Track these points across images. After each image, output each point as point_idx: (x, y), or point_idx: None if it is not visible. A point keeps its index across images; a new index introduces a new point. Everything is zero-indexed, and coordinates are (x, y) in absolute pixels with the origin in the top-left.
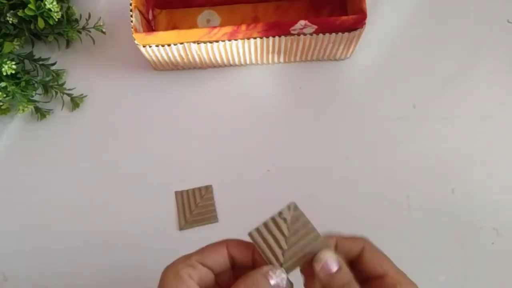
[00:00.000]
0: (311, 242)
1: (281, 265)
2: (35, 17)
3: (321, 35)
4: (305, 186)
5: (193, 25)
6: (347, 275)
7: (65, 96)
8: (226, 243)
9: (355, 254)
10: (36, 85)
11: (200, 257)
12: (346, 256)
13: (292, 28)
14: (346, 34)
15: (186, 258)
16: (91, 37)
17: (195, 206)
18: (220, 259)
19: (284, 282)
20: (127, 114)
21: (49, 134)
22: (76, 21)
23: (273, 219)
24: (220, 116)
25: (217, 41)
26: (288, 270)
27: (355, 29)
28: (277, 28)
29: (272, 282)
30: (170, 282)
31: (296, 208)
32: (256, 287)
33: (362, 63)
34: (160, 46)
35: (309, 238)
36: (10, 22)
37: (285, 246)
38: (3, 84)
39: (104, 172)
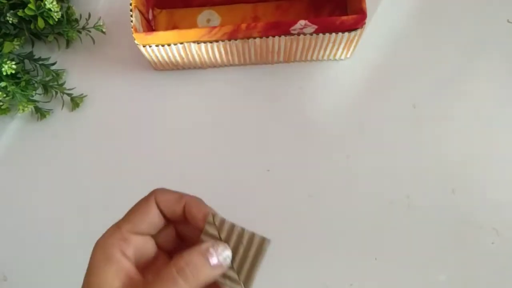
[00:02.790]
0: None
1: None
2: (35, 17)
3: (321, 35)
4: (305, 186)
5: (193, 25)
6: None
7: (65, 96)
8: (155, 197)
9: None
10: (36, 85)
11: (131, 224)
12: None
13: (292, 28)
14: (346, 34)
15: (116, 229)
16: (91, 37)
17: None
18: (155, 219)
19: (229, 260)
20: (127, 114)
21: (49, 134)
22: (76, 21)
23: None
24: (220, 115)
25: (217, 41)
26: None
27: (355, 29)
28: (277, 28)
29: (213, 261)
30: (99, 263)
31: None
32: (192, 269)
33: (362, 63)
34: (160, 46)
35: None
36: (10, 22)
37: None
38: (3, 84)
39: (104, 172)
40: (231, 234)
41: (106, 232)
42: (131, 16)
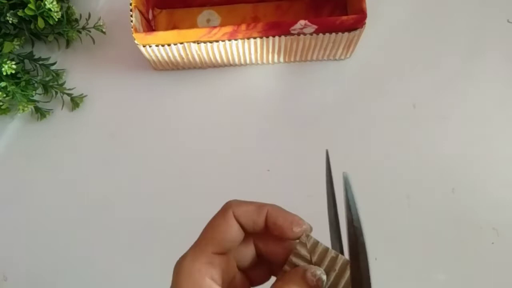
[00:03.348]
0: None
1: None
2: (35, 17)
3: (321, 35)
4: (305, 186)
5: (193, 25)
6: None
7: (65, 96)
8: (233, 211)
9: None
10: (36, 85)
11: (214, 245)
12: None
13: (292, 28)
14: (346, 34)
15: (200, 251)
16: (91, 37)
17: None
18: (237, 234)
19: (322, 286)
20: (127, 114)
21: (49, 134)
22: (76, 21)
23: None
24: (220, 116)
25: (217, 41)
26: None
27: (355, 29)
28: (277, 28)
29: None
30: None
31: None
32: None
33: (362, 63)
34: (160, 46)
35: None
36: (10, 22)
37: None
38: (3, 84)
39: (104, 172)
40: (324, 258)
41: (189, 255)
42: (131, 16)
